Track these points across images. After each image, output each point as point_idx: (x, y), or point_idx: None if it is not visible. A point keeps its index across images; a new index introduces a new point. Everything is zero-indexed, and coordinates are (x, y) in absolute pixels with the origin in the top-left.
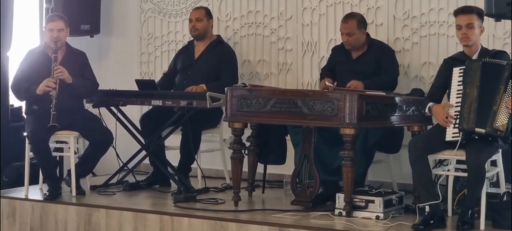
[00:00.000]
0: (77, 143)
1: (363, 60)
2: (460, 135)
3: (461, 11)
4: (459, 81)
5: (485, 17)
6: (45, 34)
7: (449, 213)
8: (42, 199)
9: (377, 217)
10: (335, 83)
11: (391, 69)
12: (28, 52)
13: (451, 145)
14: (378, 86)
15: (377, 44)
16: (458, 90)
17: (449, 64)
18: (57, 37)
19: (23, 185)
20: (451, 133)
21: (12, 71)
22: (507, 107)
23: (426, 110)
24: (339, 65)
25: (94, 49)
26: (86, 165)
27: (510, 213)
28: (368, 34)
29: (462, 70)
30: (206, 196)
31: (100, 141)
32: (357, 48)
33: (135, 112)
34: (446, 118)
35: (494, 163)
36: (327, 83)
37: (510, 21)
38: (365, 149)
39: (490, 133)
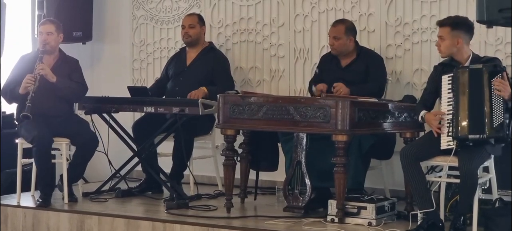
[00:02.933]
0: (69, 149)
1: (352, 68)
2: (455, 143)
3: (436, 23)
4: (448, 89)
5: (477, 24)
6: (38, 38)
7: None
8: (34, 206)
9: (369, 224)
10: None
11: (379, 77)
12: (21, 58)
13: (444, 152)
14: (364, 93)
15: (366, 52)
16: (448, 98)
17: (439, 70)
18: (45, 40)
19: (15, 192)
20: (445, 142)
21: (4, 78)
22: (499, 90)
23: (419, 119)
24: (328, 73)
25: (86, 56)
26: (74, 170)
27: (502, 219)
28: (357, 42)
29: (450, 78)
30: (199, 202)
31: (84, 144)
32: (343, 54)
33: (127, 119)
34: (440, 123)
35: (486, 169)
36: (321, 86)
37: (501, 27)
38: (361, 156)
39: (491, 135)
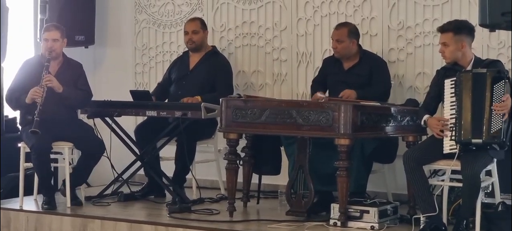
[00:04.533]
0: (72, 153)
1: (355, 71)
2: (457, 147)
3: (437, 30)
4: (451, 93)
5: (479, 28)
6: (42, 43)
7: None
8: (37, 209)
9: (372, 227)
10: (327, 94)
11: (384, 81)
12: (24, 62)
13: (447, 156)
14: (370, 97)
15: (369, 56)
16: (451, 102)
17: (441, 74)
18: (51, 47)
19: (17, 196)
20: (448, 146)
21: (7, 82)
22: (497, 112)
23: (422, 123)
24: (330, 77)
25: (89, 60)
26: (79, 175)
27: (504, 223)
28: (360, 46)
29: (453, 82)
30: (201, 206)
31: (91, 150)
32: (346, 57)
33: (130, 123)
34: (441, 129)
35: (489, 173)
36: (319, 94)
37: (504, 31)
38: (363, 159)
39: (488, 142)
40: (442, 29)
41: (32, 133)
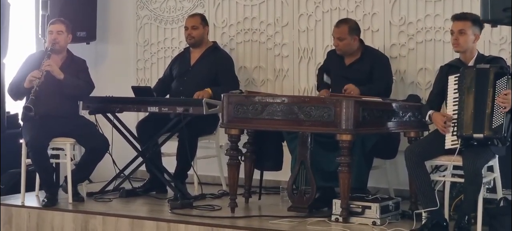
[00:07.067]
0: (74, 150)
1: (356, 67)
2: (459, 142)
3: (455, 18)
4: (455, 89)
5: None
6: (47, 38)
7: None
8: (39, 205)
9: (374, 223)
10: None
11: (385, 77)
12: (28, 57)
13: (449, 151)
14: (372, 93)
15: (371, 51)
16: (454, 98)
17: (445, 71)
18: (55, 39)
19: (19, 192)
20: (450, 141)
21: (8, 79)
22: (499, 105)
23: (427, 118)
24: (332, 71)
25: (91, 56)
26: (82, 171)
27: (506, 219)
28: (362, 41)
29: (456, 78)
30: (203, 202)
31: (96, 147)
32: (348, 54)
33: (131, 119)
34: (445, 123)
35: (491, 169)
36: (323, 92)
37: (506, 26)
38: (364, 154)
39: (489, 137)
40: (460, 17)
41: (25, 108)
